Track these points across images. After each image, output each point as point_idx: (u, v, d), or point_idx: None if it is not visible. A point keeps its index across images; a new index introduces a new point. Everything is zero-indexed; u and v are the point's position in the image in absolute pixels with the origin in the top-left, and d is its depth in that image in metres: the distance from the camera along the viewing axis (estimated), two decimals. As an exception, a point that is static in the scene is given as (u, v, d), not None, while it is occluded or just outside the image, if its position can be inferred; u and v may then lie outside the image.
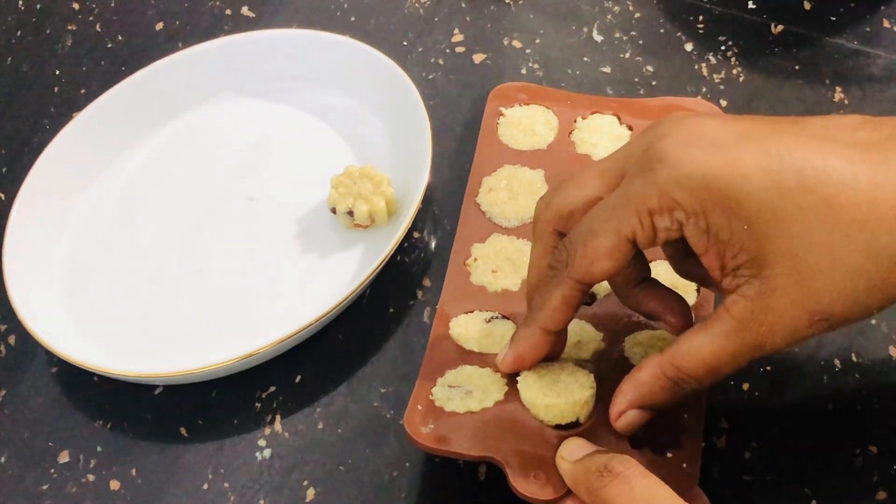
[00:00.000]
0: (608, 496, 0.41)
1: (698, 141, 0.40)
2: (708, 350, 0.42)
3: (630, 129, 0.60)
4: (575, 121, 0.60)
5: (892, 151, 0.39)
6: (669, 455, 0.46)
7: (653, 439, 0.46)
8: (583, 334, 0.51)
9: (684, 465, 0.45)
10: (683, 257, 0.45)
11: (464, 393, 0.48)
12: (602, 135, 0.59)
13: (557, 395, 0.46)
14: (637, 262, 0.46)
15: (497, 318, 0.52)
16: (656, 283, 0.48)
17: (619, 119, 0.60)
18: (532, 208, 0.56)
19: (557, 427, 0.47)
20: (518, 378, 0.48)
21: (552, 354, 0.48)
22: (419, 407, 0.48)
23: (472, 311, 0.53)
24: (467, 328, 0.52)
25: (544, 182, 0.58)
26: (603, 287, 0.53)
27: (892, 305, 0.41)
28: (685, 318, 0.47)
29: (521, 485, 0.45)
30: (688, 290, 0.52)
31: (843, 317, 0.40)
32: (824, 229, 0.38)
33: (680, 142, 0.41)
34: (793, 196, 0.38)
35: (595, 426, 0.47)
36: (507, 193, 0.57)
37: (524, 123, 0.60)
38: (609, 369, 0.49)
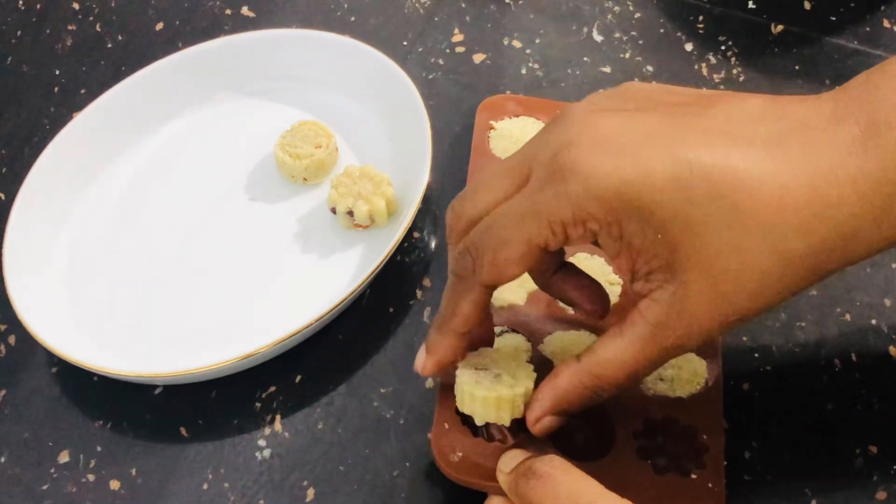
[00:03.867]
0: (534, 497, 0.41)
1: (606, 145, 0.40)
2: (625, 356, 0.42)
3: None
4: None
5: (794, 148, 0.39)
6: (694, 476, 0.46)
7: (676, 462, 0.47)
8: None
9: (710, 484, 0.45)
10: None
11: (493, 376, 0.46)
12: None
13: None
14: (551, 254, 0.45)
15: (507, 331, 0.52)
16: (573, 269, 0.48)
17: None
18: None
19: (579, 458, 0.45)
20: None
21: (480, 343, 0.47)
22: (445, 426, 0.47)
23: None
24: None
25: None
26: (612, 294, 0.53)
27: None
28: (602, 306, 0.47)
29: None
30: None
31: (754, 314, 0.41)
32: (734, 234, 0.39)
33: (588, 149, 0.40)
34: (703, 204, 0.39)
35: (619, 456, 0.47)
36: None
37: (515, 135, 0.60)
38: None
